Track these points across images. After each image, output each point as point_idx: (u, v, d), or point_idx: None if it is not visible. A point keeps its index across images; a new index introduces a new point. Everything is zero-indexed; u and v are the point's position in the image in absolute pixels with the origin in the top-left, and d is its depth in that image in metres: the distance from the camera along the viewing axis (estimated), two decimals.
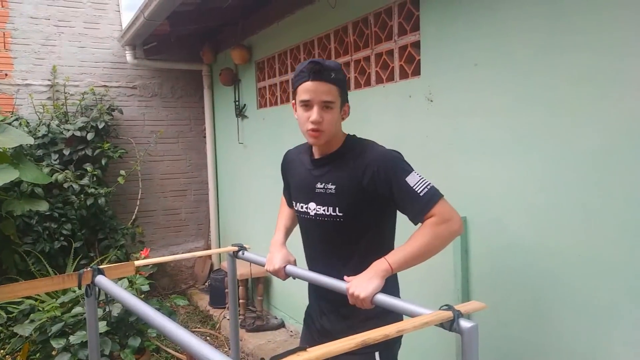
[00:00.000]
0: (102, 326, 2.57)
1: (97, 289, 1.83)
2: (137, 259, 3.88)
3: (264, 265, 2.01)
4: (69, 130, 4.53)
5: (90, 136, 4.57)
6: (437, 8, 2.35)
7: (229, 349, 3.84)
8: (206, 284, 5.30)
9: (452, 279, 2.28)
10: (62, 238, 4.25)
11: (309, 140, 1.63)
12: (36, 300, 2.92)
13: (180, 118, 5.50)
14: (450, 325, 1.26)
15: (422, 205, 1.51)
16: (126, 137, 5.15)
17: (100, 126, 4.64)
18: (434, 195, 1.52)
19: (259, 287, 4.24)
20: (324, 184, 1.63)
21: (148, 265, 2.02)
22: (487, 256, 2.18)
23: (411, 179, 1.53)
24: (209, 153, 5.38)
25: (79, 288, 1.77)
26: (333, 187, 1.61)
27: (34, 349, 2.74)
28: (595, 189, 1.74)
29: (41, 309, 2.76)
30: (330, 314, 1.74)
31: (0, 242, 3.76)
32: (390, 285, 1.63)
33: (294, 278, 1.79)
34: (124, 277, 2.90)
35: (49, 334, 2.55)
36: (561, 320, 1.89)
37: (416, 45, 2.51)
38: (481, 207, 2.19)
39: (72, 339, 2.51)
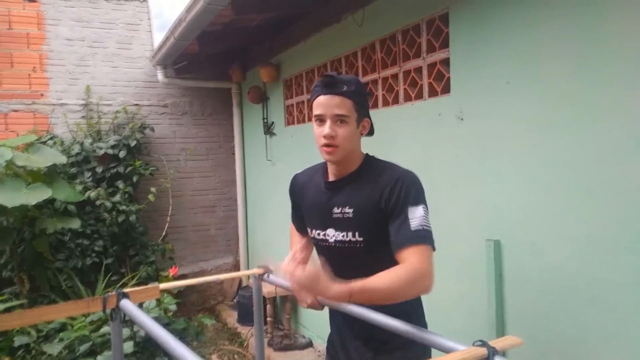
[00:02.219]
0: (129, 347, 2.57)
1: (122, 313, 1.82)
2: (166, 277, 3.91)
3: (290, 290, 1.98)
4: (101, 148, 4.62)
5: (122, 154, 4.65)
6: (467, 24, 2.29)
7: None
8: (234, 300, 5.29)
9: (486, 306, 2.18)
10: (94, 254, 4.31)
11: (324, 157, 1.54)
12: (67, 320, 2.96)
13: (210, 135, 5.55)
14: None
15: (406, 237, 1.39)
16: (157, 155, 5.22)
17: (132, 144, 4.72)
18: (423, 238, 1.39)
19: (286, 305, 4.19)
20: (341, 208, 1.54)
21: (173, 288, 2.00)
22: (523, 282, 2.08)
23: (414, 211, 1.42)
24: (238, 170, 5.40)
25: (104, 312, 1.75)
26: (351, 210, 1.52)
27: None
28: None
29: (70, 327, 2.78)
30: (355, 341, 1.65)
31: (33, 259, 3.83)
32: (416, 313, 1.56)
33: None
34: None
35: (77, 354, 2.56)
36: (610, 355, 1.77)
37: (446, 62, 2.45)
38: (515, 230, 2.10)
39: (99, 359, 2.52)
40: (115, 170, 4.65)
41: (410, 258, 1.36)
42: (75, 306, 1.74)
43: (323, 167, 1.65)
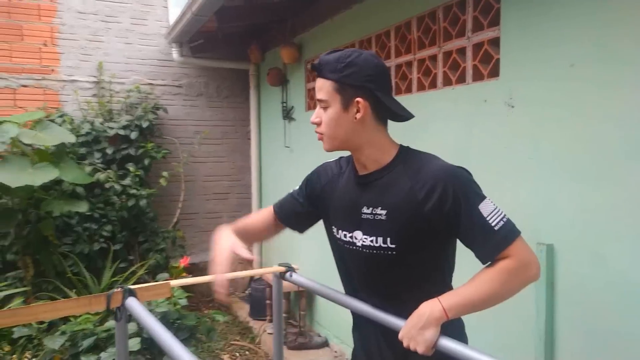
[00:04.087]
0: (136, 343, 2.37)
1: (128, 312, 1.61)
2: (176, 267, 3.71)
3: (314, 291, 1.76)
4: (112, 128, 4.42)
5: (134, 135, 4.44)
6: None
7: None
8: (246, 292, 5.10)
9: (534, 318, 1.94)
10: (102, 240, 4.13)
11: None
12: None
13: (226, 119, 5.32)
14: None
15: (496, 242, 1.19)
16: (170, 137, 5.00)
17: (145, 125, 4.51)
18: (510, 232, 1.20)
19: (302, 300, 3.99)
20: (372, 209, 1.29)
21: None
22: (579, 293, 1.83)
23: (485, 208, 1.20)
24: (254, 156, 5.18)
25: (108, 311, 1.55)
26: (384, 212, 1.27)
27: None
28: None
29: (74, 319, 2.59)
30: (384, 351, 1.41)
31: (38, 242, 3.65)
32: (452, 325, 1.33)
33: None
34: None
35: (80, 349, 2.37)
36: None
37: (495, 42, 2.19)
38: (572, 234, 1.85)
39: (103, 355, 2.32)
40: (126, 152, 4.45)
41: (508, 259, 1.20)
42: (76, 304, 1.53)
43: (352, 158, 1.40)
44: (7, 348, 2.92)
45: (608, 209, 1.72)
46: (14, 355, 2.86)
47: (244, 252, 1.37)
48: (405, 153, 1.32)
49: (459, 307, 1.20)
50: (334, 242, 1.45)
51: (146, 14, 4.96)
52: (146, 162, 4.50)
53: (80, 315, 2.63)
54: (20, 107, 4.42)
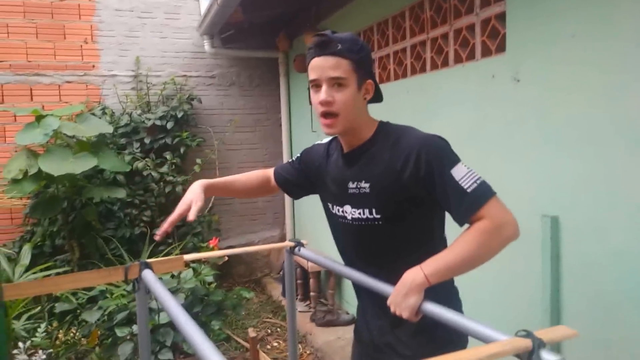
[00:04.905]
0: (164, 317, 2.54)
1: (145, 284, 1.76)
2: (206, 247, 3.89)
3: (320, 264, 1.86)
4: (150, 119, 4.64)
5: (170, 125, 4.65)
6: None
7: (298, 343, 3.74)
8: (280, 273, 5.26)
9: (540, 291, 1.95)
10: (142, 224, 4.37)
11: (323, 130, 1.34)
12: (106, 286, 2.99)
13: (258, 107, 5.45)
14: (528, 357, 1.00)
15: (469, 204, 1.22)
16: (205, 126, 5.20)
17: (180, 115, 4.71)
18: (484, 193, 1.23)
19: (330, 280, 4.09)
20: (356, 183, 1.36)
21: (200, 259, 1.91)
22: (584, 265, 1.84)
23: (457, 172, 1.24)
24: (285, 142, 5.30)
25: (126, 282, 1.69)
26: (367, 185, 1.34)
27: (103, 335, 2.79)
28: None
29: (110, 296, 2.79)
30: (378, 321, 1.49)
31: (83, 227, 3.92)
32: (447, 297, 1.38)
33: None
34: (188, 268, 2.86)
35: (114, 322, 2.56)
36: None
37: (501, 17, 2.19)
38: (576, 206, 1.85)
39: (135, 327, 2.51)
40: (163, 141, 4.67)
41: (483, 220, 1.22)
42: (97, 275, 1.69)
43: (335, 142, 1.47)
44: (55, 324, 3.18)
45: (613, 182, 1.71)
46: (61, 331, 3.11)
47: (193, 210, 1.50)
48: (384, 127, 1.39)
49: (440, 272, 1.24)
50: (330, 217, 1.54)
51: (179, 8, 5.14)
52: (182, 150, 4.70)
53: (116, 292, 2.84)
54: (65, 102, 4.70)
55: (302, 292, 4.41)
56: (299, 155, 1.66)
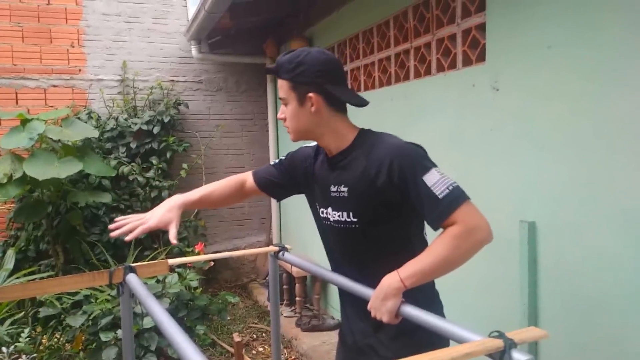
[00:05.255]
0: (148, 321, 2.55)
1: (129, 289, 1.77)
2: (192, 252, 3.89)
3: (304, 269, 1.89)
4: (136, 124, 4.64)
5: (156, 130, 4.65)
6: None
7: (284, 347, 3.76)
8: (266, 278, 5.27)
9: (518, 294, 2.00)
10: None
11: None
12: (90, 291, 2.99)
13: (245, 112, 5.48)
14: (500, 357, 1.04)
15: (441, 209, 1.26)
16: (191, 131, 5.21)
17: (166, 120, 4.71)
18: (456, 198, 1.27)
19: (316, 285, 4.12)
20: (337, 187, 1.43)
21: (189, 263, 1.93)
22: (561, 269, 1.89)
23: (429, 178, 1.28)
24: (272, 147, 5.33)
25: (110, 286, 1.71)
26: (345, 189, 1.41)
27: (87, 340, 2.79)
28: None
29: (94, 300, 2.79)
30: (360, 323, 1.53)
31: (68, 232, 3.90)
32: (427, 300, 1.42)
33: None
34: (168, 273, 2.87)
35: (99, 326, 2.56)
36: None
37: (481, 27, 2.25)
38: (554, 211, 1.91)
39: (119, 332, 2.51)
40: (149, 146, 4.67)
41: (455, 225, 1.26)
42: (80, 279, 1.69)
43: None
44: (39, 329, 3.16)
45: (588, 187, 1.76)
46: (45, 336, 3.10)
47: (172, 233, 1.52)
48: (363, 136, 1.44)
49: (416, 276, 1.27)
50: (317, 218, 1.58)
51: (167, 13, 5.15)
52: (168, 155, 4.71)
53: (101, 297, 2.83)
54: (51, 106, 4.69)
55: (287, 297, 4.43)
56: (283, 157, 1.71)
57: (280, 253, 2.02)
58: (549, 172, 1.92)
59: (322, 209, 1.52)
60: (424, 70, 2.68)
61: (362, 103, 1.44)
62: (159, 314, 1.36)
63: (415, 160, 1.31)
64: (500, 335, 1.06)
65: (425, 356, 1.01)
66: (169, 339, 1.19)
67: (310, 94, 1.38)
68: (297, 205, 4.85)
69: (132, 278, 1.70)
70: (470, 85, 2.30)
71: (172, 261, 1.87)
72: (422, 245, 1.47)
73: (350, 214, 1.40)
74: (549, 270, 1.93)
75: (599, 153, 1.72)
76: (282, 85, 1.41)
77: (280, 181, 1.67)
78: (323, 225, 1.54)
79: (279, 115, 1.48)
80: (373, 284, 1.36)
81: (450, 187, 1.27)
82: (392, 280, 1.28)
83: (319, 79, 1.38)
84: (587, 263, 1.78)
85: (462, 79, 2.36)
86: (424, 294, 1.44)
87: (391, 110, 2.97)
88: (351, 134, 1.44)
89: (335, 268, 1.60)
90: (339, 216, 1.44)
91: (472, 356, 1.04)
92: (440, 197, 1.26)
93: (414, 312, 1.27)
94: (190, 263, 3.53)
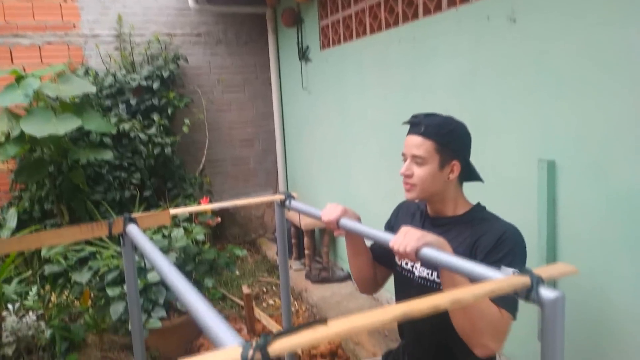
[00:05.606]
0: (154, 276, 2.51)
1: (131, 238, 1.70)
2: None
3: (312, 216, 1.81)
4: (135, 80, 4.51)
5: (156, 85, 4.52)
6: None
7: (294, 299, 3.75)
8: (274, 233, 5.24)
9: (536, 236, 1.92)
10: (132, 187, 4.30)
11: (405, 195, 1.51)
12: (97, 246, 2.95)
13: (246, 65, 5.31)
14: (527, 294, 0.96)
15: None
16: (192, 86, 5.07)
17: (166, 75, 4.58)
18: (507, 304, 1.27)
19: (325, 238, 4.07)
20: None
21: (196, 212, 1.85)
22: (581, 209, 1.80)
23: (506, 269, 1.26)
24: (275, 101, 5.19)
25: (110, 237, 1.64)
26: None
27: (95, 297, 2.77)
28: None
29: (100, 257, 2.75)
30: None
31: (71, 191, 3.84)
32: None
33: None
34: (174, 227, 2.81)
35: (105, 282, 2.53)
36: None
37: None
38: (574, 149, 1.80)
39: (125, 287, 2.47)
40: (149, 102, 4.55)
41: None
42: (79, 230, 1.62)
43: (424, 205, 1.58)
44: (47, 288, 3.15)
45: (612, 124, 1.65)
46: (53, 293, 3.08)
47: (349, 217, 1.47)
48: (476, 212, 1.48)
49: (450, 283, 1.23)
50: (396, 269, 1.61)
51: None
52: (169, 111, 4.59)
53: (105, 253, 2.79)
54: (47, 64, 4.55)
55: (296, 250, 4.41)
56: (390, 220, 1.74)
57: (287, 202, 1.94)
58: (569, 109, 1.80)
59: (405, 260, 1.53)
60: (434, 7, 2.52)
61: (481, 180, 1.52)
62: (160, 261, 1.29)
63: (514, 251, 1.33)
64: (527, 271, 0.98)
65: (447, 295, 0.93)
66: (170, 285, 1.12)
67: (455, 162, 1.43)
68: (303, 159, 4.76)
69: (132, 229, 1.63)
70: (484, 18, 2.15)
71: (173, 211, 1.79)
72: None
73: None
74: (568, 210, 1.84)
75: (622, 88, 1.59)
76: (424, 144, 1.41)
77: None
78: (401, 277, 1.58)
79: (404, 171, 1.45)
80: (438, 339, 1.46)
81: (512, 295, 1.24)
82: (424, 232, 1.22)
83: (465, 151, 1.46)
84: (609, 201, 1.68)
85: (476, 12, 2.21)
86: None
87: (399, 54, 2.82)
88: (466, 206, 1.49)
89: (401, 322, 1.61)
90: (427, 274, 1.46)
91: (496, 293, 0.97)
92: None
93: (434, 253, 1.20)
94: (196, 218, 3.48)
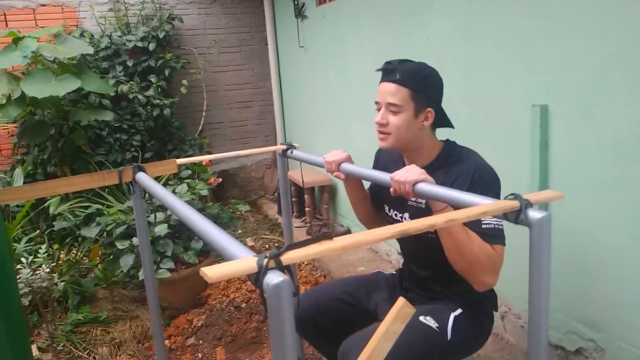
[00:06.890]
0: (163, 229, 2.59)
1: (141, 187, 1.77)
2: (200, 165, 3.90)
3: (313, 163, 1.89)
4: (130, 41, 4.49)
5: (152, 46, 4.51)
6: None
7: None
8: (275, 194, 5.33)
9: (528, 179, 1.99)
10: (132, 149, 4.35)
11: (379, 143, 1.52)
12: (103, 204, 3.02)
13: (242, 25, 5.28)
14: (516, 216, 1.04)
15: (475, 230, 1.33)
16: (188, 47, 5.05)
17: (161, 36, 4.56)
18: (495, 237, 1.34)
19: (324, 195, 4.16)
20: (415, 198, 1.47)
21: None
22: (571, 151, 1.86)
23: None
24: (272, 61, 5.18)
25: (120, 185, 1.71)
26: (423, 202, 1.47)
27: (104, 254, 2.86)
28: None
29: (107, 213, 2.83)
30: (415, 289, 1.66)
31: (73, 153, 3.90)
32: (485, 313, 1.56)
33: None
34: (177, 183, 2.88)
35: (114, 236, 2.61)
36: None
37: None
38: (566, 93, 1.85)
39: (134, 240, 2.56)
40: (146, 63, 4.55)
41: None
42: (90, 179, 1.69)
43: (400, 153, 1.60)
44: (55, 246, 3.24)
45: (603, 67, 1.70)
46: (62, 251, 3.18)
47: (348, 162, 1.59)
48: (447, 151, 1.50)
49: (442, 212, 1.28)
50: (386, 218, 1.67)
51: None
52: (167, 72, 4.60)
53: (113, 209, 2.87)
54: (42, 27, 4.51)
55: (297, 209, 4.49)
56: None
57: (289, 151, 2.00)
58: (561, 51, 1.84)
59: (395, 212, 1.60)
60: None
61: (452, 126, 1.54)
62: (172, 200, 1.35)
63: (489, 182, 1.39)
64: (517, 196, 1.05)
65: (442, 216, 1.01)
66: (184, 218, 1.18)
67: (429, 109, 1.43)
68: (301, 119, 4.80)
69: (141, 176, 1.70)
70: None
71: (180, 161, 1.86)
72: None
73: None
74: (560, 154, 1.91)
75: (616, 33, 1.63)
76: (399, 92, 1.40)
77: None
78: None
79: (380, 119, 1.45)
80: (438, 285, 1.55)
81: (497, 226, 1.33)
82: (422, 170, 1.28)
83: (439, 97, 1.46)
84: (599, 144, 1.75)
85: None
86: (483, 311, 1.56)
87: (396, 7, 2.83)
88: (437, 149, 1.50)
89: (404, 265, 1.75)
90: None
91: (487, 215, 1.04)
92: (482, 225, 1.32)
93: (429, 187, 1.26)
94: (198, 177, 3.54)
